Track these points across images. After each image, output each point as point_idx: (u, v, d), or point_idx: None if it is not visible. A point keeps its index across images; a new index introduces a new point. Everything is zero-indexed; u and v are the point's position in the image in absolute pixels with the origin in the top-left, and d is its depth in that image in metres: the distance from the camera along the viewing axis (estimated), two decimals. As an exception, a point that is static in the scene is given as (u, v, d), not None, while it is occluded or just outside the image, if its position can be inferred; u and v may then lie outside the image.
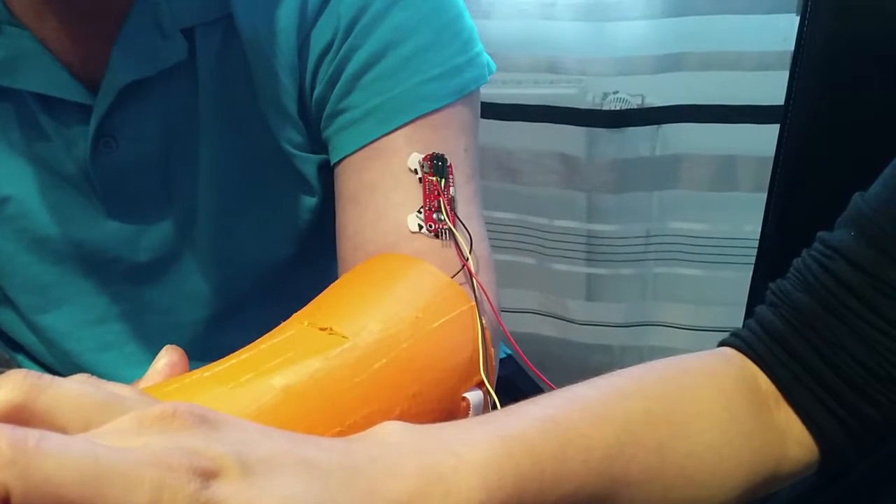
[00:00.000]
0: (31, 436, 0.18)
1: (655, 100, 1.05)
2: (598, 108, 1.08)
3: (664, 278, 1.13)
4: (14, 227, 0.50)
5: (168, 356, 0.30)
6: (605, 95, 1.08)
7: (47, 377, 0.21)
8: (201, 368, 0.30)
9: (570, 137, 1.10)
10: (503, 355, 0.77)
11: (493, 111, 1.12)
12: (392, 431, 0.26)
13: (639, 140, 1.08)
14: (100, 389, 0.22)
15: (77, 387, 0.21)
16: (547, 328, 1.20)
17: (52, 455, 0.18)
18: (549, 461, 0.28)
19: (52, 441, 0.18)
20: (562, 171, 1.14)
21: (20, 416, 0.20)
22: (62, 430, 0.21)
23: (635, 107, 1.07)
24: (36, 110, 0.47)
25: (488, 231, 0.49)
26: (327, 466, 0.22)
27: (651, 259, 1.13)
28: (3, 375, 0.20)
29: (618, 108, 1.08)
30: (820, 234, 0.39)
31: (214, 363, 0.31)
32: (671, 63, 1.02)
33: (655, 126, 1.07)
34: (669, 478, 0.33)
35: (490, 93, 1.13)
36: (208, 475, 0.20)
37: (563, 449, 0.29)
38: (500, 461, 0.27)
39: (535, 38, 1.08)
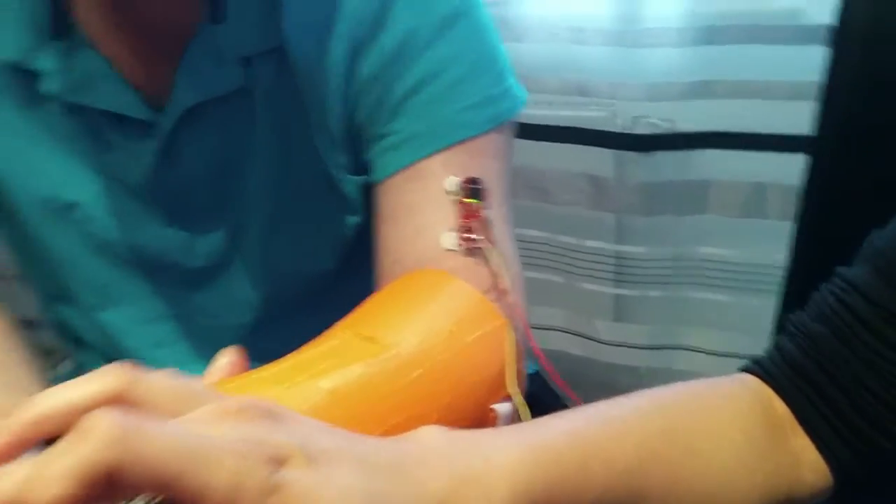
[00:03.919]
0: (135, 419, 0.21)
1: (685, 125, 1.07)
2: (628, 131, 1.09)
3: (691, 302, 1.13)
4: (80, 230, 0.54)
5: (230, 356, 0.32)
6: (635, 119, 1.10)
7: (142, 369, 0.24)
8: (258, 369, 0.33)
9: (600, 159, 1.12)
10: (530, 371, 0.79)
11: (524, 131, 1.12)
12: (431, 435, 0.28)
13: (668, 164, 1.09)
14: (182, 382, 0.25)
15: (166, 379, 0.24)
16: (573, 347, 1.21)
17: (152, 437, 0.21)
18: (573, 471, 0.30)
19: (151, 424, 0.21)
20: (591, 192, 1.15)
21: (120, 402, 0.23)
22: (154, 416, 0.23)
23: (665, 132, 1.08)
24: (105, 125, 0.51)
25: (517, 248, 0.51)
26: (378, 462, 0.25)
27: (679, 282, 1.14)
28: (105, 367, 0.23)
29: (647, 132, 1.09)
30: (838, 268, 0.41)
31: (270, 364, 0.34)
32: (701, 90, 1.03)
33: (684, 151, 1.08)
34: (685, 494, 0.34)
35: (521, 113, 1.15)
36: (278, 462, 0.22)
37: (586, 461, 0.31)
38: (529, 468, 0.29)
39: (566, 62, 1.10)
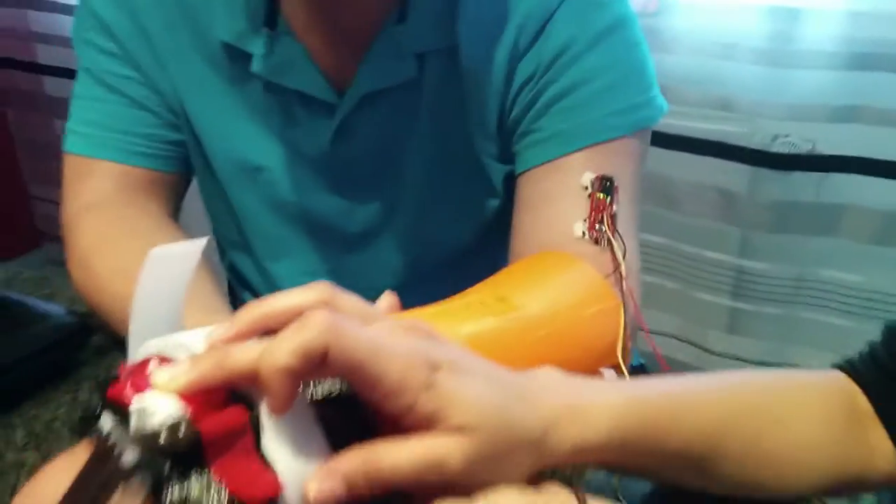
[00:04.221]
0: (341, 317, 0.29)
1: (826, 148, 1.07)
2: (766, 149, 1.11)
3: (809, 323, 1.13)
4: (263, 190, 0.64)
5: (388, 300, 0.40)
6: (775, 138, 1.10)
7: (339, 288, 0.32)
8: (414, 309, 0.41)
9: (733, 174, 1.14)
10: (633, 363, 0.83)
11: (661, 140, 1.16)
12: (549, 373, 0.35)
13: (804, 185, 1.09)
14: (366, 303, 0.33)
15: (355, 298, 0.32)
16: (682, 353, 1.24)
17: (351, 333, 0.28)
18: (662, 421, 0.36)
19: (354, 322, 0.29)
20: (719, 205, 1.17)
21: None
22: None
23: (804, 152, 1.08)
24: (296, 104, 0.59)
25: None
26: (506, 383, 0.32)
27: (800, 303, 1.14)
28: (312, 283, 0.31)
29: (786, 151, 1.10)
30: None
31: (422, 307, 0.42)
32: (846, 114, 1.03)
33: (822, 174, 1.08)
34: (762, 459, 0.39)
35: (661, 122, 1.17)
36: (434, 368, 0.30)
37: (675, 415, 0.37)
38: (625, 409, 0.35)
39: (712, 76, 1.12)
